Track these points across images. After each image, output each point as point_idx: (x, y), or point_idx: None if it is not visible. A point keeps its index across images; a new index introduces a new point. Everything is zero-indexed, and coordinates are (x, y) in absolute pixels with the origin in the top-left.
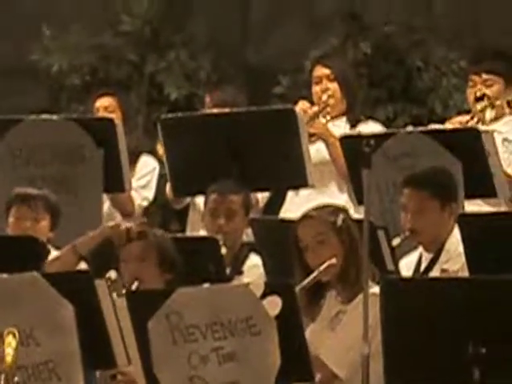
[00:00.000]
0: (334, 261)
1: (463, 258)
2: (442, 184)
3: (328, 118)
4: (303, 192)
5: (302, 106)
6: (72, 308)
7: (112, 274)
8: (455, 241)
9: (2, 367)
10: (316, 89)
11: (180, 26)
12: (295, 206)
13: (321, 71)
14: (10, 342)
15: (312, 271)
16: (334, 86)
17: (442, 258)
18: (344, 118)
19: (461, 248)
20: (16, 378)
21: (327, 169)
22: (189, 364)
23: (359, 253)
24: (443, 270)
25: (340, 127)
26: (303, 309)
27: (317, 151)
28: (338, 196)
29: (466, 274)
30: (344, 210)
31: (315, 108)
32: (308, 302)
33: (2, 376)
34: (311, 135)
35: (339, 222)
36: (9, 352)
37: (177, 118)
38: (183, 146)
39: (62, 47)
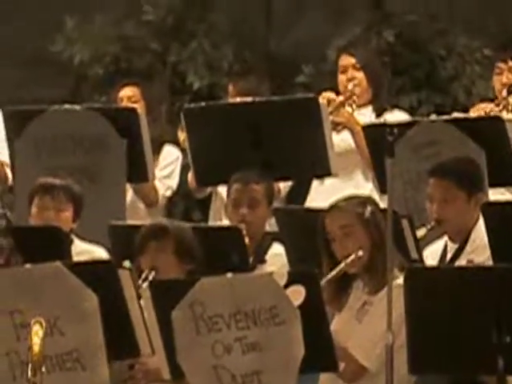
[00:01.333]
0: (360, 253)
1: (489, 250)
2: (469, 174)
3: (354, 106)
4: (328, 181)
5: (327, 96)
6: (96, 298)
7: (126, 263)
8: (481, 231)
9: (30, 356)
10: (342, 78)
11: (202, 16)
12: (320, 195)
13: (347, 60)
14: (37, 332)
15: (339, 262)
16: (359, 75)
17: (468, 248)
18: (370, 107)
19: (485, 239)
20: (43, 368)
21: (353, 157)
22: (212, 353)
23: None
24: (469, 261)
25: (366, 116)
26: (330, 299)
27: (342, 140)
28: (363, 185)
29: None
30: (372, 202)
31: (341, 97)
32: (334, 293)
33: (30, 365)
34: (337, 124)
35: (367, 213)
36: (36, 341)
37: (200, 108)
38: (206, 135)
39: (84, 37)
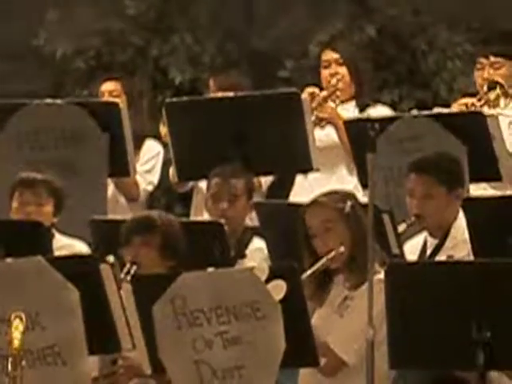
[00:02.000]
0: (341, 249)
1: (469, 244)
2: (449, 170)
3: (337, 102)
4: (312, 176)
5: (310, 91)
6: (77, 292)
7: (110, 258)
8: (461, 226)
9: (10, 351)
10: (325, 73)
11: (184, 10)
12: (304, 189)
13: (330, 55)
14: (18, 326)
15: (320, 257)
16: (342, 70)
17: (448, 243)
18: (353, 102)
19: (467, 234)
20: (23, 362)
21: (336, 152)
22: (193, 348)
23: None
24: (449, 256)
25: (349, 111)
26: (311, 294)
27: (326, 135)
28: (347, 179)
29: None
30: (353, 197)
31: (324, 93)
32: (316, 288)
33: (10, 360)
34: (321, 120)
35: (347, 208)
36: (16, 336)
37: (181, 102)
38: (188, 130)
39: (66, 31)
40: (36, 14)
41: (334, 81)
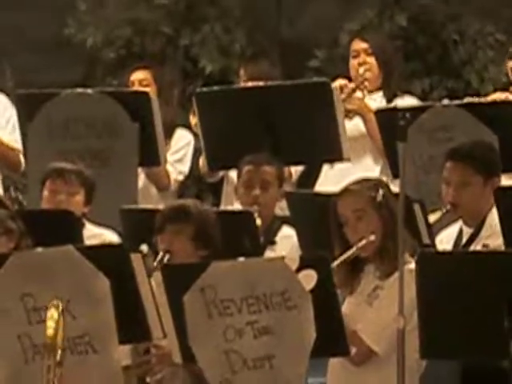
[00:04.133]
0: (372, 238)
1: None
2: (486, 158)
3: (365, 92)
4: (338, 165)
5: (339, 83)
6: (107, 281)
7: (144, 247)
8: (497, 216)
9: (45, 340)
10: (354, 62)
11: (214, 0)
12: (330, 179)
13: (359, 45)
14: (53, 315)
15: (350, 246)
16: (371, 60)
17: (483, 232)
18: (381, 93)
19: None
20: (59, 352)
21: (363, 142)
22: (224, 338)
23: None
24: (484, 245)
25: (376, 101)
26: (341, 283)
27: (354, 125)
28: (372, 168)
29: None
30: (384, 185)
31: (352, 84)
32: (346, 276)
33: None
34: (349, 111)
35: (379, 197)
36: (50, 325)
37: (212, 92)
38: (218, 119)
39: (96, 21)
40: (66, 4)
41: (361, 70)
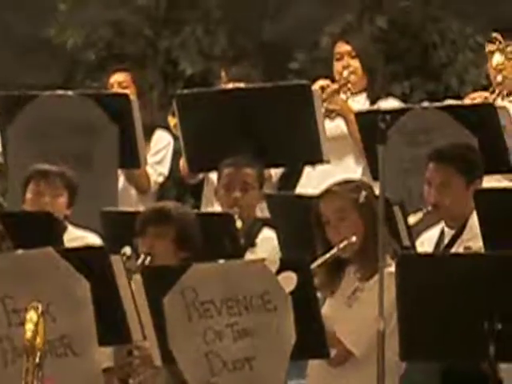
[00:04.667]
0: (353, 239)
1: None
2: (469, 160)
3: (348, 94)
4: (320, 167)
5: (321, 83)
6: (87, 283)
7: (127, 250)
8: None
9: (24, 342)
10: (337, 65)
11: (195, 1)
12: (312, 180)
13: (342, 48)
14: (32, 317)
15: (332, 246)
16: (355, 63)
17: (465, 235)
18: (364, 95)
19: None
20: (39, 354)
21: (345, 143)
22: (204, 340)
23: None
24: (466, 248)
25: (360, 103)
26: (322, 284)
27: (336, 127)
28: (353, 169)
29: None
30: (367, 186)
31: (335, 85)
32: (327, 277)
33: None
34: (331, 111)
35: (361, 198)
36: (30, 327)
37: (192, 94)
38: (198, 121)
39: (77, 22)
40: (46, 5)
41: (345, 73)
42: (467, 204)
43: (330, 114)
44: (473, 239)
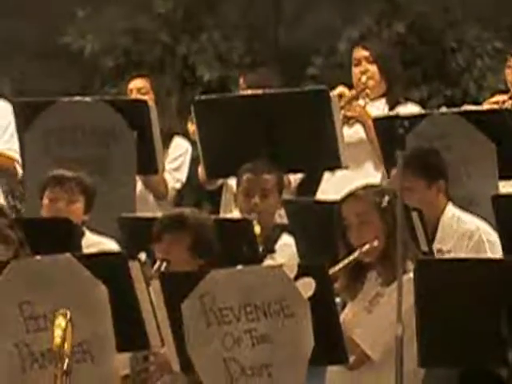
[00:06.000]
0: (375, 243)
1: (456, 236)
2: (426, 163)
3: (367, 100)
4: (339, 173)
5: (340, 90)
6: (106, 289)
7: (142, 256)
8: (447, 219)
9: (53, 348)
10: (355, 70)
11: (212, 8)
12: (331, 186)
13: (360, 53)
14: (60, 324)
15: (354, 250)
16: (373, 68)
17: (437, 237)
18: (383, 100)
19: (454, 226)
20: (67, 360)
21: (364, 148)
22: (222, 346)
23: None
24: (438, 250)
25: (379, 109)
26: (344, 287)
27: (354, 132)
28: (372, 175)
29: (459, 254)
30: (390, 191)
31: (353, 91)
32: (349, 281)
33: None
34: (349, 118)
35: (384, 203)
36: (58, 333)
37: (210, 100)
38: (216, 127)
39: (95, 29)
40: (65, 12)
41: (363, 79)
42: (434, 205)
43: (348, 120)
44: (444, 240)
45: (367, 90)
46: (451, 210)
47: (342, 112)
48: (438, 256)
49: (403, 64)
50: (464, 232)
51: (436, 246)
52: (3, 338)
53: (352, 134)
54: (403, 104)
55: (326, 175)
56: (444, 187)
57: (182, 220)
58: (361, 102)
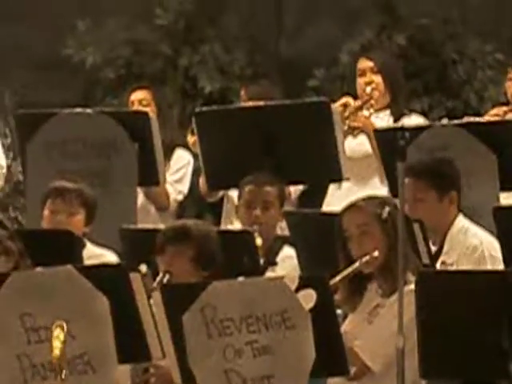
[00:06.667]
0: (376, 254)
1: (459, 249)
2: (439, 174)
3: (372, 110)
4: (345, 185)
5: (345, 100)
6: (107, 301)
7: (143, 267)
8: (455, 232)
9: (52, 360)
10: (360, 81)
11: (214, 20)
12: (337, 199)
13: (365, 64)
14: (58, 335)
15: (355, 261)
16: (377, 79)
17: (444, 249)
18: (388, 111)
19: (460, 239)
20: (64, 371)
21: (369, 162)
22: (223, 357)
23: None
24: (442, 262)
25: (383, 120)
26: (344, 299)
27: (359, 145)
28: (378, 189)
29: (464, 266)
30: (391, 203)
31: (358, 102)
32: (349, 293)
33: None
34: (354, 129)
35: (385, 214)
36: (57, 345)
37: (211, 112)
38: (218, 139)
39: (96, 41)
40: (65, 24)
41: (368, 89)
42: (444, 217)
43: (352, 131)
44: (449, 252)
45: (372, 101)
46: (461, 222)
47: (347, 122)
48: (441, 268)
49: (404, 76)
50: (468, 246)
51: (442, 258)
52: (5, 349)
53: (356, 146)
54: (408, 115)
55: (332, 188)
56: (456, 198)
57: (186, 232)
58: (365, 112)
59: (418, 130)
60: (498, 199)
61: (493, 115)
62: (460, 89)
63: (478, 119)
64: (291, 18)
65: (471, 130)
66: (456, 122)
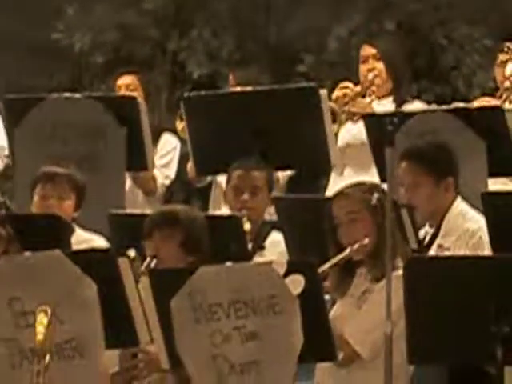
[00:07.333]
0: (365, 241)
1: (457, 233)
2: (436, 159)
3: (373, 97)
4: (347, 172)
5: (343, 86)
6: (95, 286)
7: (131, 252)
8: (453, 215)
9: (35, 345)
10: (362, 68)
11: (202, 4)
12: (339, 186)
13: (367, 50)
14: (42, 320)
15: (344, 248)
16: (379, 66)
17: (442, 232)
18: (390, 98)
19: (458, 222)
20: (48, 357)
21: (368, 150)
22: (211, 343)
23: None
24: (439, 246)
25: (386, 107)
26: (334, 285)
27: (359, 133)
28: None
29: (460, 251)
30: (380, 189)
31: (358, 87)
32: (338, 279)
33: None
34: (353, 114)
35: (374, 200)
36: (40, 330)
37: (200, 97)
38: (206, 124)
39: (84, 25)
40: (54, 9)
41: (370, 76)
42: (441, 202)
43: (352, 116)
44: (444, 236)
45: (373, 88)
46: (459, 206)
47: (347, 108)
48: (437, 251)
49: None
50: (465, 230)
51: (438, 241)
52: None
53: (356, 133)
54: (410, 102)
55: (333, 175)
56: (452, 184)
57: (173, 217)
58: (367, 99)
59: (406, 115)
60: (486, 185)
61: (481, 102)
62: (448, 75)
63: (466, 105)
64: (280, 4)
65: (460, 115)
66: (444, 107)
